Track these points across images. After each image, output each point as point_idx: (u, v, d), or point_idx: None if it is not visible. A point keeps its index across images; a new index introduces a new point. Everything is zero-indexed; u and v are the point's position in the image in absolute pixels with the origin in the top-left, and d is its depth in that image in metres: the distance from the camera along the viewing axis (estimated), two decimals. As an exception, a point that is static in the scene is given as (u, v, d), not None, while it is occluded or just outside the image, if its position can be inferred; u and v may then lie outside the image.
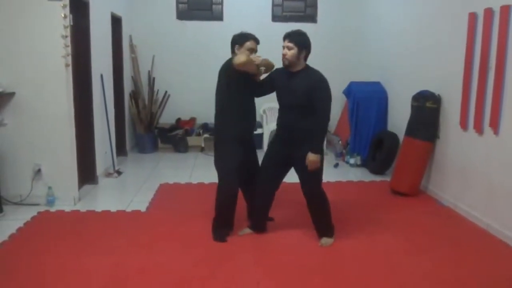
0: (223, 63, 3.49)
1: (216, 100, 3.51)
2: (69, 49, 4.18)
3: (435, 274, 3.06)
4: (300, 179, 3.45)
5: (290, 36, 3.29)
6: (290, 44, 3.25)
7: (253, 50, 3.42)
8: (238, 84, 3.37)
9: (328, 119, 3.33)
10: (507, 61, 3.61)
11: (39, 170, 4.29)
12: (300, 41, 3.27)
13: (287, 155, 3.35)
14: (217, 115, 3.53)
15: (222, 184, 3.53)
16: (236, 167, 3.43)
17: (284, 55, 3.28)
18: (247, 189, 3.73)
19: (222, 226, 3.59)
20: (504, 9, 3.62)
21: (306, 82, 3.27)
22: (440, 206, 4.49)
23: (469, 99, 4.14)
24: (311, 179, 3.40)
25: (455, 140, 4.43)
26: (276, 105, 3.62)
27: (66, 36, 4.13)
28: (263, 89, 3.57)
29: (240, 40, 3.43)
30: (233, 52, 3.49)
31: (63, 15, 4.07)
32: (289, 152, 3.33)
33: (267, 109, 7.09)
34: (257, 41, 3.48)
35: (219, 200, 3.56)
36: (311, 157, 3.23)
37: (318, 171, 3.38)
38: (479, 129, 3.99)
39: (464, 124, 4.22)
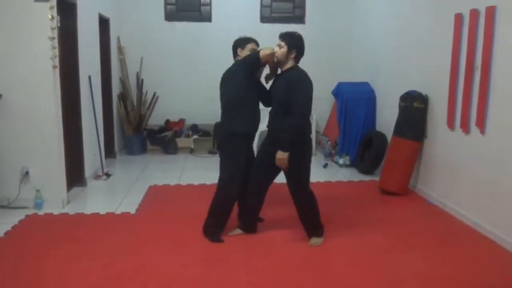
0: (230, 67, 3.62)
1: (226, 99, 3.56)
2: (57, 51, 4.15)
3: (424, 271, 3.09)
4: (285, 178, 3.49)
5: (283, 36, 3.39)
6: (282, 43, 3.34)
7: (253, 51, 3.56)
8: (251, 83, 3.53)
9: (302, 118, 3.31)
10: (493, 61, 3.66)
11: (27, 173, 4.24)
12: (291, 41, 3.34)
13: (274, 155, 3.37)
14: (226, 113, 3.54)
15: (225, 184, 3.53)
16: (243, 166, 3.48)
17: (275, 53, 3.37)
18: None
19: (218, 226, 3.58)
20: (489, 10, 3.68)
21: (286, 81, 3.32)
22: (428, 204, 4.54)
23: (455, 99, 4.19)
24: (291, 178, 3.44)
25: (442, 140, 4.48)
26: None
27: (54, 38, 4.10)
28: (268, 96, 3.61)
29: (242, 43, 3.61)
30: (235, 55, 3.66)
31: (50, 17, 4.04)
32: (273, 152, 3.35)
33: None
34: (257, 44, 3.65)
35: (219, 199, 3.56)
36: (278, 154, 3.27)
37: (300, 170, 3.40)
38: (465, 128, 4.04)
39: (451, 124, 4.28)
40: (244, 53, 3.56)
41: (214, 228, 3.58)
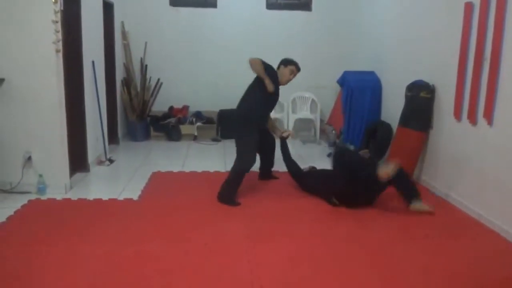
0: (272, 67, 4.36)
1: (251, 92, 4.32)
2: (60, 35, 4.11)
3: (427, 263, 3.07)
4: None
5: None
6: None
7: (293, 72, 4.45)
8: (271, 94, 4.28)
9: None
10: (503, 52, 3.59)
11: (29, 158, 4.23)
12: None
13: None
14: (246, 102, 4.31)
15: (244, 157, 4.16)
16: (257, 142, 4.25)
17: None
18: (263, 158, 4.77)
19: (235, 190, 4.13)
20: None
21: None
22: (432, 195, 4.51)
23: (463, 90, 4.13)
24: None
25: (448, 130, 4.43)
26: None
27: (57, 22, 4.05)
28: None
29: (286, 62, 4.48)
30: (278, 68, 4.49)
31: (53, 0, 3.99)
32: None
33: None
34: (298, 69, 4.53)
35: (239, 168, 4.14)
36: None
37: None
38: (473, 119, 3.99)
39: (458, 115, 4.22)
40: (284, 70, 4.42)
41: (231, 193, 4.11)
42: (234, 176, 4.16)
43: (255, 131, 4.25)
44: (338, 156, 4.47)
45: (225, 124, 4.43)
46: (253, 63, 4.20)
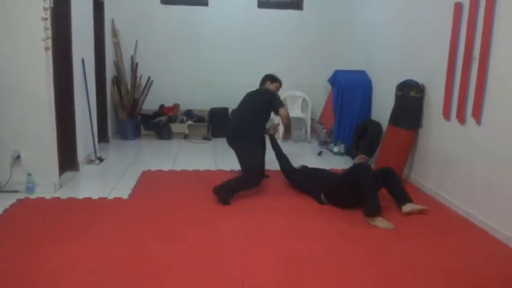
0: (271, 92, 4.68)
1: (258, 110, 4.54)
2: (49, 32, 4.07)
3: (417, 261, 3.10)
4: None
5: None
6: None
7: (278, 88, 4.84)
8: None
9: None
10: (491, 52, 3.63)
11: (18, 157, 4.19)
12: None
13: None
14: (253, 119, 4.51)
15: (250, 170, 4.28)
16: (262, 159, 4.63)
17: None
18: None
19: (235, 193, 4.17)
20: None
21: None
22: (422, 193, 4.54)
23: (452, 89, 4.17)
24: None
25: (437, 129, 4.47)
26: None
27: (46, 19, 4.02)
28: None
29: (272, 79, 4.85)
30: (262, 84, 4.87)
31: (42, -3, 3.96)
32: None
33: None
34: (281, 85, 4.94)
35: (245, 179, 4.27)
36: None
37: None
38: (461, 119, 4.03)
39: (447, 114, 4.26)
40: (271, 86, 4.78)
41: (229, 195, 4.12)
42: (243, 179, 4.29)
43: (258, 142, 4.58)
44: (366, 171, 3.98)
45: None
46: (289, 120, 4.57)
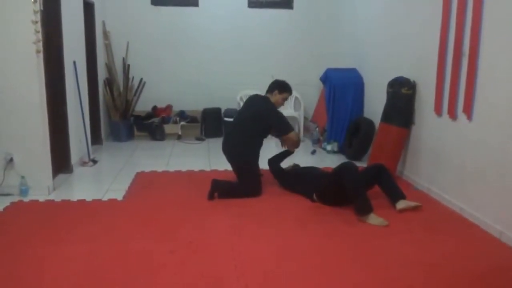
0: (267, 105, 4.36)
1: (250, 129, 4.33)
2: (40, 35, 4.06)
3: (409, 257, 3.12)
4: None
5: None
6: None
7: (285, 99, 4.51)
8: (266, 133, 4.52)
9: None
10: (480, 47, 3.66)
11: (11, 159, 4.18)
12: None
13: None
14: (246, 142, 4.36)
15: (250, 185, 4.30)
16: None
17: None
18: None
19: (227, 196, 4.19)
20: (478, -4, 3.67)
21: None
22: (415, 190, 4.58)
23: (443, 85, 4.20)
24: None
25: (429, 126, 4.50)
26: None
27: (37, 22, 4.01)
28: None
29: (281, 89, 4.45)
30: (269, 91, 4.49)
31: (32, 0, 3.94)
32: None
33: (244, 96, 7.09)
34: (291, 93, 4.59)
35: (246, 192, 4.25)
36: None
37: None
38: (452, 114, 4.06)
39: (438, 110, 4.30)
40: (278, 97, 4.40)
41: (224, 195, 4.19)
42: (244, 191, 4.28)
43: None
44: (348, 171, 3.92)
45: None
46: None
